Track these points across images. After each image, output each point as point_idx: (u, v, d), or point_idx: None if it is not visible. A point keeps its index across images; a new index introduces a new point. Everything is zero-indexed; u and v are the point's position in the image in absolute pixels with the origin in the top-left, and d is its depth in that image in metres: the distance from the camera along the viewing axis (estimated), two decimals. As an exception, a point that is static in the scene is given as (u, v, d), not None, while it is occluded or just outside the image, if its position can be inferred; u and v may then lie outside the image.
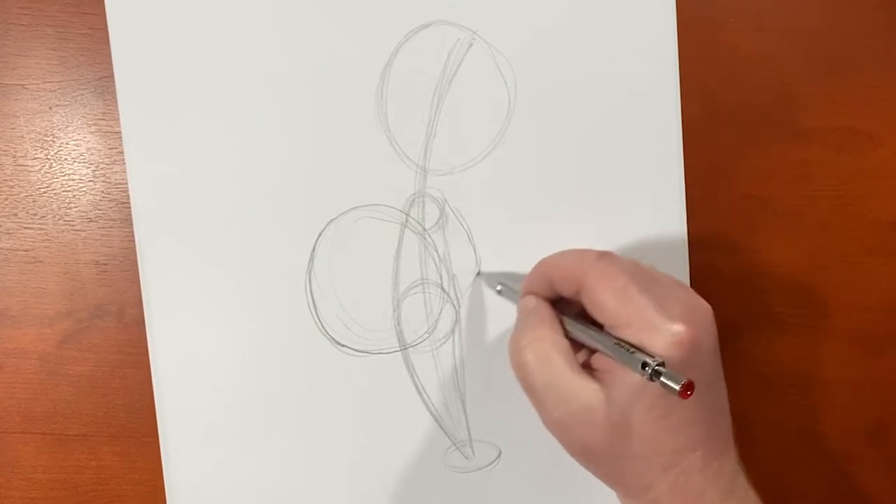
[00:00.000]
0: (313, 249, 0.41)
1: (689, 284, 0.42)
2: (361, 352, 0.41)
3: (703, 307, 0.33)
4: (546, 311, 0.35)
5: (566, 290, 0.35)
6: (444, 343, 0.41)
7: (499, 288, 0.40)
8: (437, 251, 0.41)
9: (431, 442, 0.42)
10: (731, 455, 0.33)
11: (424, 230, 0.41)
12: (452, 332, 0.41)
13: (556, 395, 0.33)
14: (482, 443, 0.42)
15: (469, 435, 0.42)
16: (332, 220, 0.41)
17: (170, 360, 0.41)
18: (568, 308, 0.36)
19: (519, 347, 0.34)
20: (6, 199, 0.41)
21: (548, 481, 0.42)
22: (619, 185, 0.41)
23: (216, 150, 0.40)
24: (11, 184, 0.41)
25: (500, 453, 0.42)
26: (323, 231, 0.41)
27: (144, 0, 0.40)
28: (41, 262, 0.42)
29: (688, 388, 0.28)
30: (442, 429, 0.42)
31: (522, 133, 0.41)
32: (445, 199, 0.41)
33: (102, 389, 0.42)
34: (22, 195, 0.41)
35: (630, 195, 0.41)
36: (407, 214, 0.41)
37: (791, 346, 0.43)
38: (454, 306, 0.41)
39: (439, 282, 0.41)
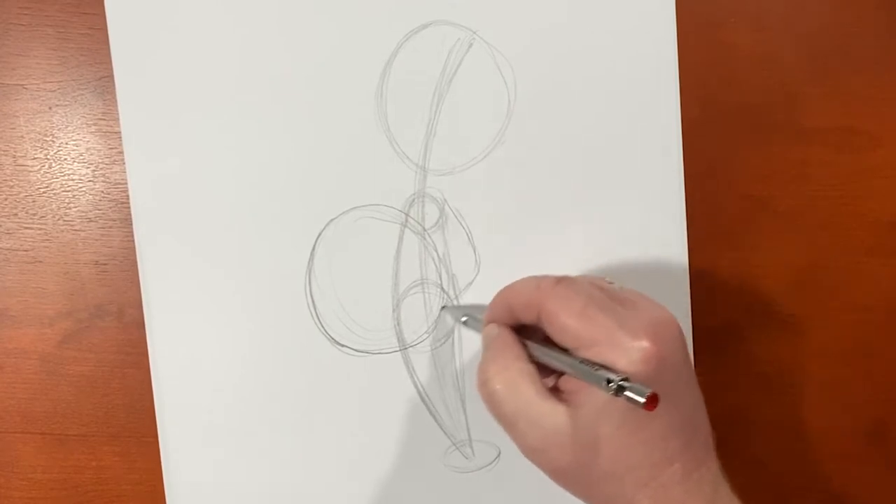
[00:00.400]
0: (313, 249, 0.41)
1: (688, 284, 0.42)
2: (361, 352, 0.41)
3: (667, 320, 0.32)
4: (509, 338, 0.35)
5: (527, 318, 0.35)
6: (443, 343, 0.41)
7: (464, 319, 0.40)
8: (436, 251, 0.41)
9: (431, 442, 0.42)
10: (711, 465, 0.33)
11: (424, 230, 0.41)
12: (452, 331, 0.41)
13: (527, 421, 0.33)
14: (482, 443, 0.42)
15: (469, 435, 0.42)
16: (331, 220, 0.41)
17: (169, 360, 0.41)
18: (533, 335, 0.36)
19: (486, 378, 0.34)
20: (6, 199, 0.41)
21: (547, 481, 0.42)
22: (619, 185, 0.41)
23: (216, 149, 0.40)
24: (11, 184, 0.41)
25: (500, 453, 0.42)
26: (323, 231, 0.41)
27: (144, 0, 0.40)
28: (41, 262, 0.42)
29: (652, 401, 0.28)
30: (442, 429, 0.42)
31: (522, 133, 0.41)
32: (445, 199, 0.41)
33: (102, 389, 0.42)
34: (22, 195, 0.41)
35: (630, 195, 0.41)
36: (407, 214, 0.41)
37: (791, 346, 0.43)
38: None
39: (439, 282, 0.41)
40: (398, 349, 0.41)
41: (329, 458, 0.42)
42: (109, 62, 0.40)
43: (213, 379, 0.41)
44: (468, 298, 0.41)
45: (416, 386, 0.41)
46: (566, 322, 0.32)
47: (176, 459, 0.41)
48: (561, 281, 0.34)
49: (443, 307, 0.41)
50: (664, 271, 0.42)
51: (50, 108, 0.41)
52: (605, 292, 0.34)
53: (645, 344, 0.31)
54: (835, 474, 0.44)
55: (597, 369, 0.30)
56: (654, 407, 0.28)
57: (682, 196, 0.42)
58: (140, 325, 0.41)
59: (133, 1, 0.40)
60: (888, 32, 0.42)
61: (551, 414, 0.32)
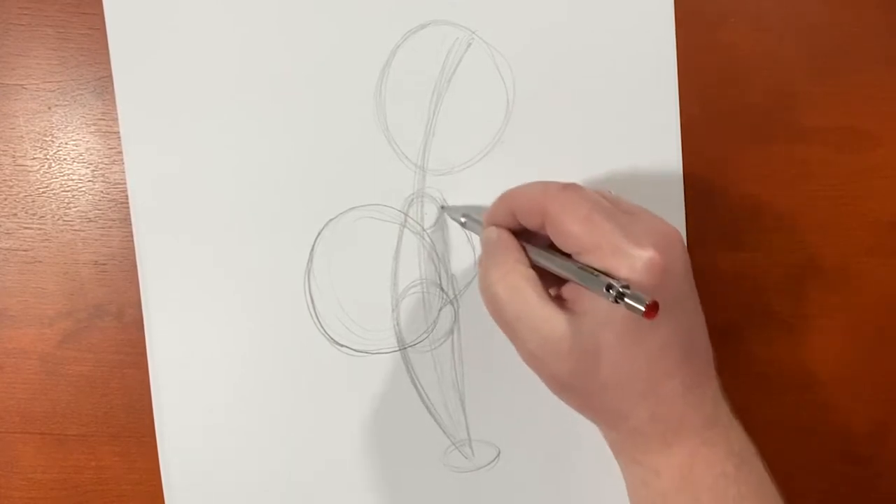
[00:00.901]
0: (312, 249, 0.41)
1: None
2: (360, 352, 0.41)
3: (672, 232, 0.32)
4: (511, 242, 0.34)
5: (530, 223, 0.34)
6: (443, 343, 0.41)
7: (462, 220, 0.39)
8: (435, 251, 0.41)
9: (431, 442, 0.42)
10: (712, 384, 0.33)
11: (423, 230, 0.41)
12: (451, 331, 0.41)
13: (528, 327, 0.32)
14: (482, 442, 0.42)
15: (468, 435, 0.42)
16: (330, 220, 0.41)
17: (169, 360, 0.41)
18: (533, 241, 0.35)
19: (489, 282, 0.34)
20: (6, 199, 0.41)
21: (547, 481, 0.42)
22: (619, 184, 0.41)
23: (215, 149, 0.40)
24: (11, 184, 0.41)
25: (500, 453, 0.42)
26: (322, 231, 0.41)
27: (143, 0, 0.40)
28: (41, 262, 0.42)
29: (652, 308, 0.27)
30: (441, 429, 0.42)
31: (521, 133, 0.41)
32: (444, 199, 0.41)
33: (102, 389, 0.42)
34: (21, 195, 0.41)
35: (630, 195, 0.41)
36: (406, 214, 0.41)
37: (791, 346, 0.43)
38: (453, 306, 0.41)
39: (438, 281, 0.41)
40: (397, 349, 0.41)
41: (328, 458, 0.42)
42: (109, 62, 0.40)
43: (212, 379, 0.41)
44: (468, 298, 0.41)
45: (415, 386, 0.41)
46: (570, 227, 0.32)
47: (175, 459, 0.41)
48: (567, 186, 0.33)
49: (442, 207, 0.41)
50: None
51: (49, 108, 0.41)
52: (611, 201, 0.33)
53: (649, 253, 0.30)
54: (835, 474, 0.44)
55: (597, 275, 0.30)
56: (655, 315, 0.28)
57: (682, 196, 0.42)
58: (139, 325, 0.41)
59: (132, 1, 0.40)
60: (888, 32, 0.42)
61: (552, 320, 0.32)
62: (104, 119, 0.41)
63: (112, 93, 0.40)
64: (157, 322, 0.41)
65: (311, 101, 0.41)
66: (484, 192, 0.41)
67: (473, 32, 0.41)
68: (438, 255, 0.41)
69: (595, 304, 0.31)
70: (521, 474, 0.42)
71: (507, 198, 0.35)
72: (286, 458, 0.41)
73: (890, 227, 0.42)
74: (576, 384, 0.32)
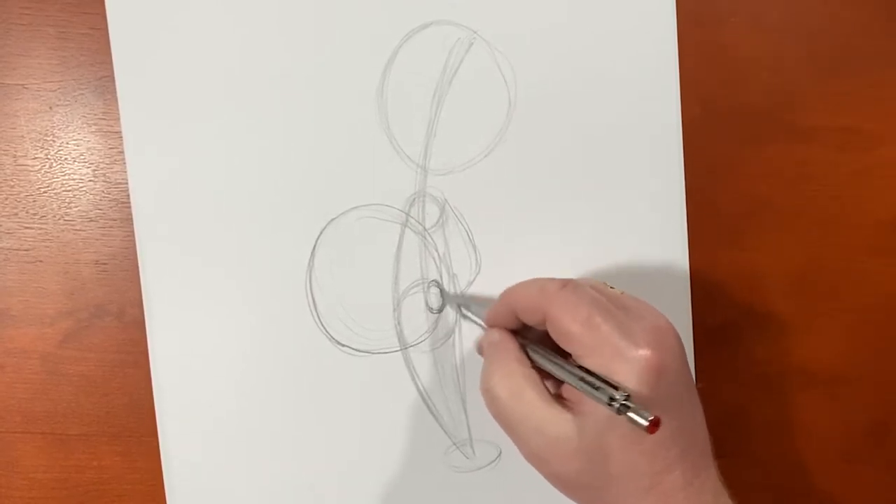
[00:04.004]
0: (313, 249, 0.41)
1: (688, 284, 0.42)
2: (362, 351, 0.41)
3: (667, 328, 0.33)
4: (511, 344, 0.36)
5: (531, 321, 0.35)
6: (444, 342, 0.41)
7: (464, 311, 0.41)
8: (437, 251, 0.41)
9: (432, 441, 0.42)
10: (710, 473, 0.34)
11: (425, 230, 0.41)
12: (453, 331, 0.41)
13: (531, 428, 0.33)
14: (482, 442, 0.42)
15: (469, 434, 0.42)
16: (332, 220, 0.41)
17: (170, 359, 0.41)
18: (534, 333, 0.36)
19: (490, 385, 0.35)
20: (6, 199, 0.41)
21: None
22: (619, 185, 0.41)
23: (216, 149, 0.40)
24: (12, 183, 0.41)
25: (501, 453, 0.42)
26: (323, 231, 0.41)
27: (145, 0, 0.40)
28: (41, 261, 0.42)
29: (655, 424, 0.29)
30: (442, 428, 0.42)
31: (523, 133, 0.41)
32: (446, 199, 0.41)
33: (102, 389, 0.42)
34: (22, 195, 0.41)
35: (630, 195, 0.41)
36: (407, 214, 0.41)
37: (791, 346, 0.43)
38: (454, 306, 0.41)
39: (439, 281, 0.41)
40: (399, 349, 0.41)
41: (329, 458, 0.42)
42: (110, 62, 0.40)
43: (213, 378, 0.41)
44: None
45: (416, 385, 0.42)
46: (571, 329, 0.33)
47: (176, 459, 0.41)
48: (566, 285, 0.34)
49: (440, 290, 0.41)
50: (664, 271, 0.42)
51: (50, 107, 0.41)
52: (608, 297, 0.34)
53: (646, 353, 0.31)
54: (835, 474, 0.44)
55: (598, 386, 0.31)
56: (656, 430, 0.29)
57: (683, 196, 0.42)
58: (140, 324, 0.41)
59: (133, 1, 0.40)
60: (888, 32, 0.42)
61: (556, 422, 0.33)
62: (105, 119, 0.41)
63: (113, 92, 0.40)
64: (159, 322, 0.41)
65: (312, 100, 0.41)
66: (485, 192, 0.41)
67: (475, 32, 0.41)
68: (440, 255, 0.41)
69: (598, 407, 0.32)
70: (521, 474, 0.42)
71: (507, 298, 0.36)
72: (287, 458, 0.41)
73: (890, 227, 0.43)
74: (583, 482, 0.33)
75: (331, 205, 0.41)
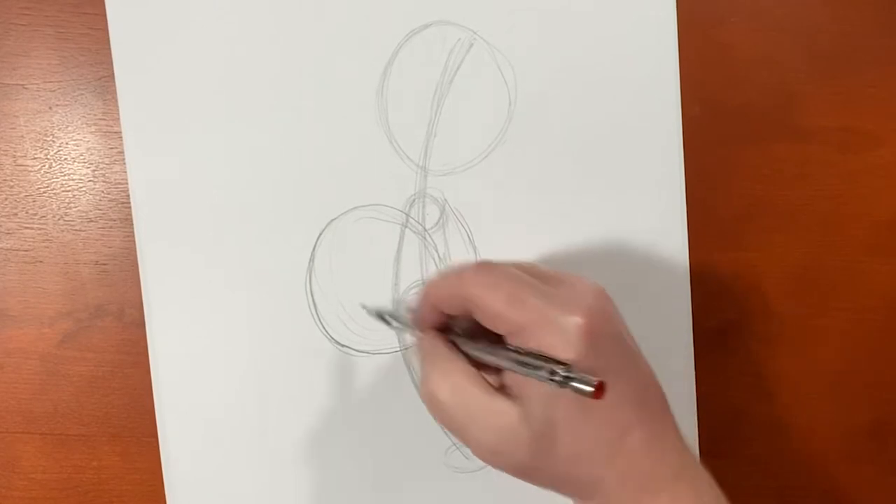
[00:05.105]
0: (314, 249, 0.41)
1: (688, 284, 0.42)
2: (362, 352, 0.41)
3: (596, 291, 0.32)
4: (443, 346, 0.34)
5: (455, 310, 0.33)
6: (444, 343, 0.41)
7: (388, 321, 0.40)
8: (437, 251, 0.41)
9: (431, 441, 0.42)
10: (672, 434, 0.32)
11: (425, 230, 0.41)
12: (453, 332, 0.41)
13: (481, 425, 0.32)
14: (482, 443, 0.42)
15: (469, 435, 0.42)
16: (332, 221, 0.41)
17: (170, 360, 0.41)
18: (465, 325, 0.34)
19: (429, 389, 0.33)
20: (6, 199, 0.41)
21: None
22: (620, 185, 0.41)
23: (216, 149, 0.40)
24: (11, 184, 0.41)
25: (501, 453, 0.42)
26: (323, 231, 0.41)
27: (145, 0, 0.40)
28: (41, 262, 0.42)
29: (600, 388, 0.27)
30: (442, 428, 0.42)
31: (523, 133, 0.41)
32: (446, 200, 0.41)
33: (102, 389, 0.42)
34: (22, 195, 0.41)
35: (630, 195, 0.41)
36: (407, 215, 0.41)
37: (791, 345, 0.43)
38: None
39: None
40: (399, 349, 0.41)
41: (329, 458, 0.42)
42: (109, 62, 0.40)
43: (213, 379, 0.41)
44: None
45: (416, 386, 0.41)
46: (495, 308, 0.31)
47: (176, 459, 0.41)
48: (481, 267, 0.32)
49: (363, 306, 0.41)
50: (664, 271, 0.42)
51: (50, 107, 0.41)
52: (528, 271, 0.32)
53: (577, 319, 0.30)
54: (835, 474, 0.44)
55: (536, 365, 0.29)
56: (602, 395, 0.27)
57: (683, 196, 0.42)
58: (140, 325, 0.41)
59: (134, 1, 0.40)
60: (888, 32, 0.42)
61: (501, 412, 0.31)
62: (105, 119, 0.41)
63: (113, 92, 0.40)
64: (158, 322, 0.41)
65: (313, 101, 0.41)
66: (486, 193, 0.41)
67: (475, 33, 0.41)
68: (440, 256, 0.41)
69: (539, 387, 0.30)
70: (521, 474, 0.42)
71: (426, 295, 0.34)
72: (287, 458, 0.41)
73: (890, 227, 0.43)
74: (541, 466, 0.32)
75: (331, 205, 0.41)
